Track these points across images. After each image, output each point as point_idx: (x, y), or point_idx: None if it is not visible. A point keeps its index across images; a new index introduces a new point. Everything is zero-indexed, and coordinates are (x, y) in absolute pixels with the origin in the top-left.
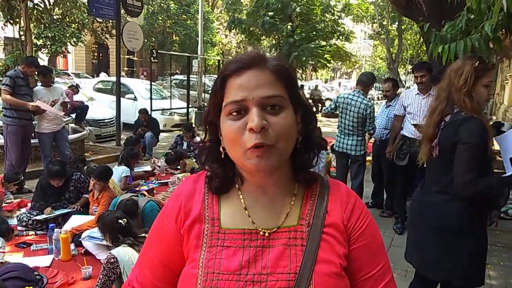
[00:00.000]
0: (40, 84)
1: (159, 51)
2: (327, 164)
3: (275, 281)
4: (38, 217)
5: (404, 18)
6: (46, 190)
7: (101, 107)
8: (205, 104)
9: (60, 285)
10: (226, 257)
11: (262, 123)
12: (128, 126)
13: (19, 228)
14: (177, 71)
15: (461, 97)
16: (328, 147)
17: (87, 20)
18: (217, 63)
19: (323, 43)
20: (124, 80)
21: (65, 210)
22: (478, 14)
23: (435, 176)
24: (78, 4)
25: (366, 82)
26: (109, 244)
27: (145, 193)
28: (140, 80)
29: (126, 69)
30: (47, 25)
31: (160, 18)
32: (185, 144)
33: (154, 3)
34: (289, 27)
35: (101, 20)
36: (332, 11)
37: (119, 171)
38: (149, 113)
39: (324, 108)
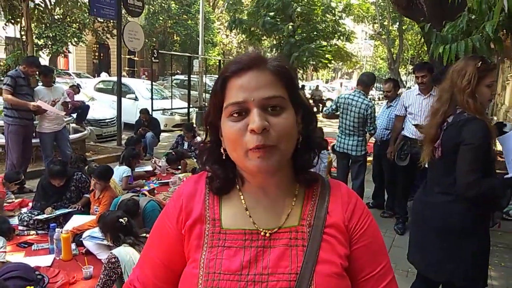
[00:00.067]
0: (41, 84)
1: (160, 51)
2: (328, 164)
3: (276, 281)
4: (39, 217)
5: (405, 18)
6: (47, 190)
7: (102, 107)
8: (206, 104)
9: (61, 285)
10: (227, 257)
11: (264, 124)
12: (129, 126)
13: (20, 227)
14: (178, 71)
15: (465, 98)
16: (329, 147)
17: (88, 20)
18: (218, 63)
19: (324, 43)
20: (125, 80)
21: (66, 210)
22: (479, 14)
23: (438, 177)
24: (79, 4)
25: (366, 82)
26: (110, 244)
27: (146, 193)
28: (141, 80)
29: (127, 69)
30: (48, 25)
31: (161, 18)
32: (186, 144)
33: (155, 3)
34: (290, 27)
35: (102, 20)
36: (333, 12)
37: (120, 171)
38: (150, 113)
39: (325, 108)
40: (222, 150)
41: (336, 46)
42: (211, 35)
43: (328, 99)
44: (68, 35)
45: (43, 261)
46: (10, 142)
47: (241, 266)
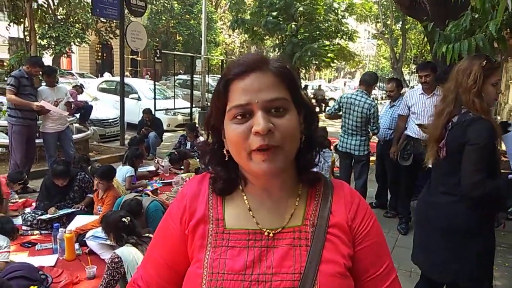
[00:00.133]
0: (44, 84)
1: (162, 51)
2: (331, 164)
3: (280, 281)
4: (43, 217)
5: (408, 17)
6: (50, 189)
7: (105, 107)
8: (209, 104)
9: (65, 285)
10: (230, 257)
11: (268, 126)
12: (132, 126)
13: (24, 227)
14: (181, 71)
15: (470, 98)
16: (332, 147)
17: (91, 20)
18: (220, 63)
19: (327, 42)
20: (128, 80)
21: (70, 210)
22: (482, 13)
23: (442, 177)
24: (82, 4)
25: (369, 81)
26: (113, 243)
27: (149, 193)
28: (144, 80)
29: (130, 69)
30: (51, 25)
31: (164, 18)
32: (188, 144)
33: (157, 3)
34: (293, 26)
35: (105, 20)
36: (336, 12)
37: (123, 171)
38: (153, 113)
39: (327, 108)
40: (225, 152)
41: (339, 46)
42: (214, 35)
43: (331, 98)
44: (71, 35)
45: (47, 261)
46: (13, 142)
47: (244, 266)
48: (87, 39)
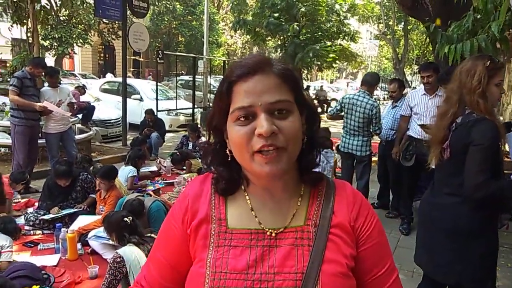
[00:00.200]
0: (47, 84)
1: (165, 52)
2: (333, 164)
3: (282, 281)
4: (45, 217)
5: (410, 18)
6: (53, 190)
7: (107, 108)
8: (211, 104)
9: (67, 284)
10: (233, 256)
11: (272, 128)
12: (134, 126)
13: (27, 227)
14: (183, 72)
15: (475, 98)
16: (334, 148)
17: (93, 21)
18: (222, 64)
19: (329, 43)
20: (130, 80)
21: (72, 210)
22: (484, 14)
23: (446, 178)
24: (84, 5)
25: (371, 82)
26: (115, 243)
27: (151, 193)
28: (146, 80)
29: (132, 69)
30: (54, 26)
31: (166, 19)
32: (190, 144)
33: (160, 4)
34: (295, 26)
35: (107, 21)
36: (338, 13)
37: (126, 171)
38: (155, 113)
39: (329, 109)
40: (227, 152)
41: (341, 46)
42: (216, 36)
43: (333, 99)
44: (74, 36)
45: (49, 260)
46: (16, 142)
47: (247, 265)
48: (89, 40)
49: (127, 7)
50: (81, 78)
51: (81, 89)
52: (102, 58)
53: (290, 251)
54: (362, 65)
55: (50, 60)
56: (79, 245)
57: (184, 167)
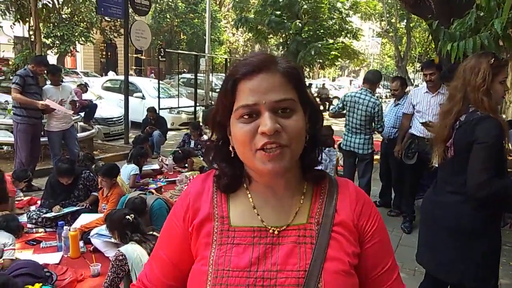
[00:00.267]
0: (49, 83)
1: (166, 50)
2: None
3: (285, 278)
4: (48, 215)
5: (413, 15)
6: (55, 188)
7: (109, 106)
8: (213, 102)
9: (69, 282)
10: (236, 254)
11: (275, 127)
12: (136, 124)
13: (29, 225)
14: (185, 70)
15: (479, 96)
16: (335, 146)
17: (95, 19)
18: (224, 62)
19: (331, 41)
20: (132, 78)
21: (74, 208)
22: (487, 11)
23: (449, 176)
24: (86, 3)
25: (373, 80)
26: (117, 241)
27: (153, 191)
28: (148, 78)
29: (134, 67)
30: (56, 24)
31: (168, 17)
32: (192, 142)
33: (162, 1)
34: (297, 23)
35: (109, 19)
36: (340, 10)
37: (128, 169)
38: (157, 111)
39: (331, 107)
40: (230, 148)
41: (343, 44)
42: (218, 34)
43: (335, 97)
44: (76, 34)
45: (52, 258)
46: (19, 140)
47: (249, 263)
48: (91, 38)
49: (129, 5)
50: (83, 76)
51: (83, 87)
52: (104, 56)
53: (292, 249)
54: (364, 63)
55: (52, 58)
56: (81, 243)
57: (186, 165)
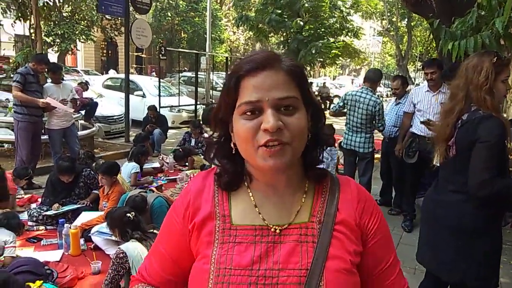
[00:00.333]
0: (50, 81)
1: (167, 48)
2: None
3: (287, 277)
4: (48, 213)
5: (414, 14)
6: (56, 186)
7: (110, 104)
8: (213, 101)
9: (70, 280)
10: (238, 253)
11: (278, 124)
12: (136, 122)
13: (30, 223)
14: (185, 68)
15: (482, 95)
16: (336, 145)
17: (96, 17)
18: (225, 60)
19: (332, 39)
20: (133, 77)
21: (75, 206)
22: (489, 10)
23: (451, 175)
24: (87, 1)
25: (373, 78)
26: (118, 239)
27: (154, 189)
28: (149, 77)
29: (135, 66)
30: (56, 22)
31: (169, 15)
32: (193, 141)
33: (162, 0)
34: (298, 21)
35: (110, 18)
36: (341, 9)
37: (129, 168)
38: (158, 110)
39: (332, 105)
40: (232, 145)
41: (344, 43)
42: (218, 32)
43: (336, 96)
44: (77, 32)
45: (52, 256)
46: (19, 138)
47: (251, 262)
48: (92, 36)
49: (129, 3)
50: (83, 75)
51: (84, 86)
52: (104, 55)
53: (294, 248)
54: (365, 62)
55: (53, 57)
56: (82, 241)
57: (187, 164)
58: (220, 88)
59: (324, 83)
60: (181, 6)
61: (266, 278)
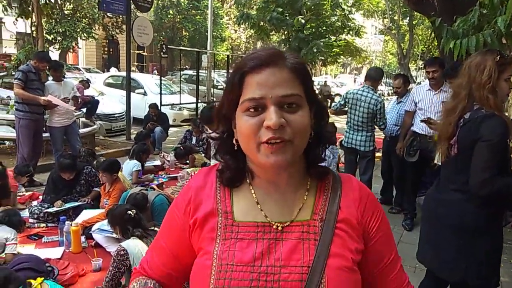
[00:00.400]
0: (51, 78)
1: (168, 46)
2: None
3: (288, 274)
4: (49, 210)
5: (416, 13)
6: (57, 183)
7: (111, 102)
8: (214, 99)
9: (71, 277)
10: (240, 249)
11: (280, 121)
12: (138, 120)
13: (31, 220)
14: (187, 66)
15: (485, 94)
16: (337, 143)
17: (97, 15)
18: (226, 58)
19: (333, 38)
20: (134, 75)
21: (76, 203)
22: (490, 9)
23: (452, 174)
24: None
25: (375, 77)
26: (119, 236)
27: (155, 187)
28: (150, 75)
29: (136, 64)
30: (58, 20)
31: (170, 13)
32: (194, 139)
33: None
34: (300, 19)
35: (111, 15)
36: (342, 7)
37: (130, 166)
38: (159, 108)
39: (333, 104)
40: (234, 141)
41: (345, 41)
42: (220, 30)
43: (337, 94)
44: (78, 30)
45: (53, 253)
46: (21, 136)
47: (253, 258)
48: (93, 34)
49: (131, 1)
50: (85, 72)
51: (85, 83)
52: (106, 52)
53: (296, 245)
54: (367, 60)
55: (54, 54)
56: (83, 238)
57: (188, 162)
58: (221, 87)
59: (325, 81)
60: (182, 4)
61: (268, 274)
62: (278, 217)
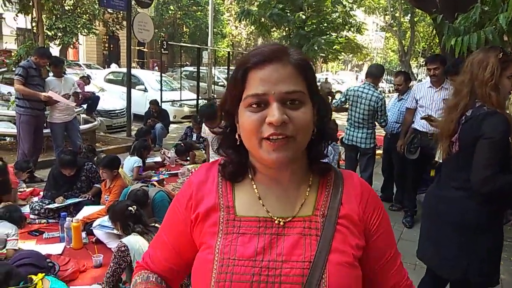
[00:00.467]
0: (52, 74)
1: (169, 42)
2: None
3: (290, 269)
4: (50, 206)
5: (417, 10)
6: (58, 179)
7: (112, 98)
8: (215, 95)
9: (72, 273)
10: (241, 243)
11: (283, 118)
12: (138, 117)
13: (32, 216)
14: (187, 63)
15: (487, 91)
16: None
17: (98, 11)
18: (227, 55)
19: (334, 35)
20: (135, 71)
21: (77, 199)
22: (492, 6)
23: (454, 172)
24: None
25: (376, 74)
26: (119, 233)
27: (155, 183)
28: (151, 71)
29: (136, 60)
30: (58, 16)
31: (171, 9)
32: (194, 135)
33: None
34: (301, 15)
35: (112, 11)
36: (343, 4)
37: (131, 162)
38: (160, 104)
39: (334, 101)
40: (237, 136)
41: (347, 38)
42: (221, 27)
43: (338, 91)
44: (78, 26)
45: (54, 249)
46: (21, 132)
47: (255, 252)
48: (94, 30)
49: None
50: (85, 68)
51: (86, 79)
52: (106, 48)
53: (298, 240)
54: (368, 57)
55: (54, 50)
56: (83, 234)
57: (188, 158)
58: (222, 83)
59: (326, 78)
60: (183, 0)
61: (269, 269)
62: (280, 213)
